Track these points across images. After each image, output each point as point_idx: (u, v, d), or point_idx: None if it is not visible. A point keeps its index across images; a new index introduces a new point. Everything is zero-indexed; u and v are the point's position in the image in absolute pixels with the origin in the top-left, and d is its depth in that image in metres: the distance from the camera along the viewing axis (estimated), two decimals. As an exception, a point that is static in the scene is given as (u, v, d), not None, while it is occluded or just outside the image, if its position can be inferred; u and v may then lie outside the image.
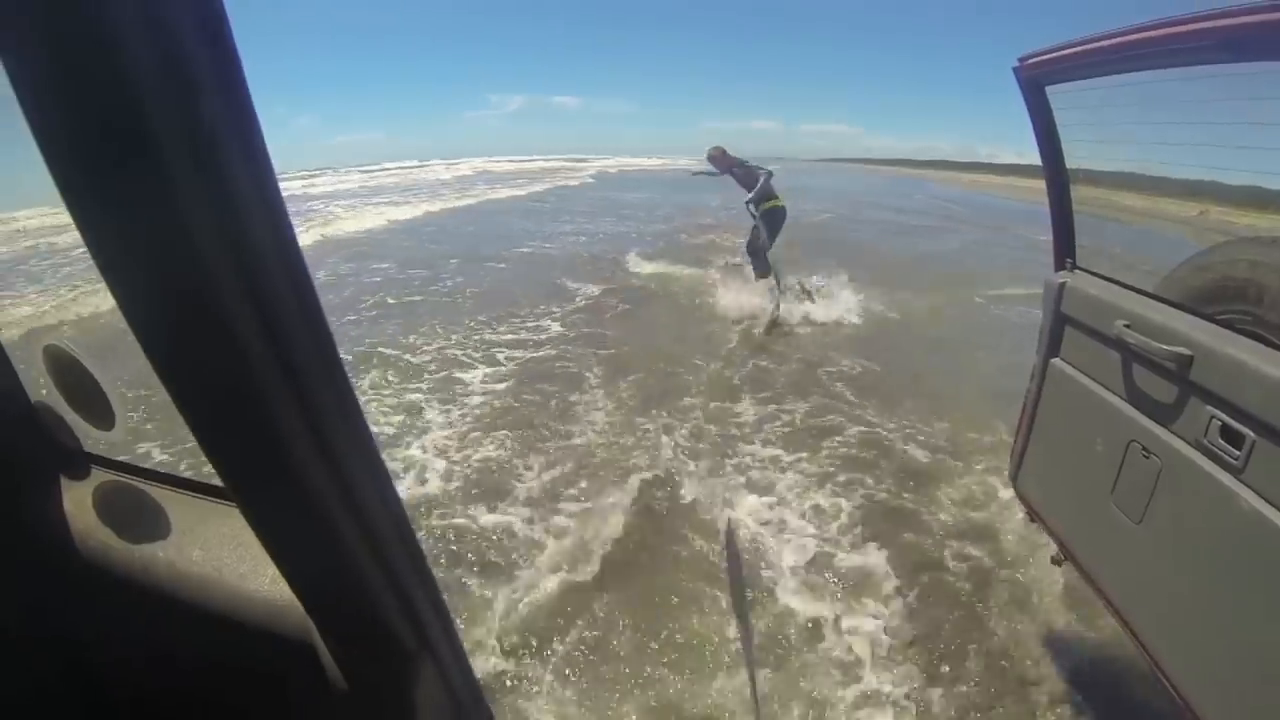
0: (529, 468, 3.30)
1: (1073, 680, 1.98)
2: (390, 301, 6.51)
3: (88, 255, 0.25)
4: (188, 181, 0.24)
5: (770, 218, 5.89)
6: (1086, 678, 1.99)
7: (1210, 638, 1.21)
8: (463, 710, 0.45)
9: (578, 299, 6.71)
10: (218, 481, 0.42)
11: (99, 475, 0.62)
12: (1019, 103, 1.67)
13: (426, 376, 4.53)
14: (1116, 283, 1.55)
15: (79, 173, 0.23)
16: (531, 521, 2.83)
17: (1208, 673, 1.22)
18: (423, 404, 4.08)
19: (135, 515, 0.59)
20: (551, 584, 2.43)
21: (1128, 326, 1.38)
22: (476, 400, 4.14)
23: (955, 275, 8.34)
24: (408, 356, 4.87)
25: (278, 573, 0.39)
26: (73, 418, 0.58)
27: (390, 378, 4.48)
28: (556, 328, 5.70)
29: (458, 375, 4.56)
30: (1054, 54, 1.54)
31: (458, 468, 3.29)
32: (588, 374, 4.58)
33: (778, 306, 5.75)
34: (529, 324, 5.79)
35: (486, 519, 2.85)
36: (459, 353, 5.00)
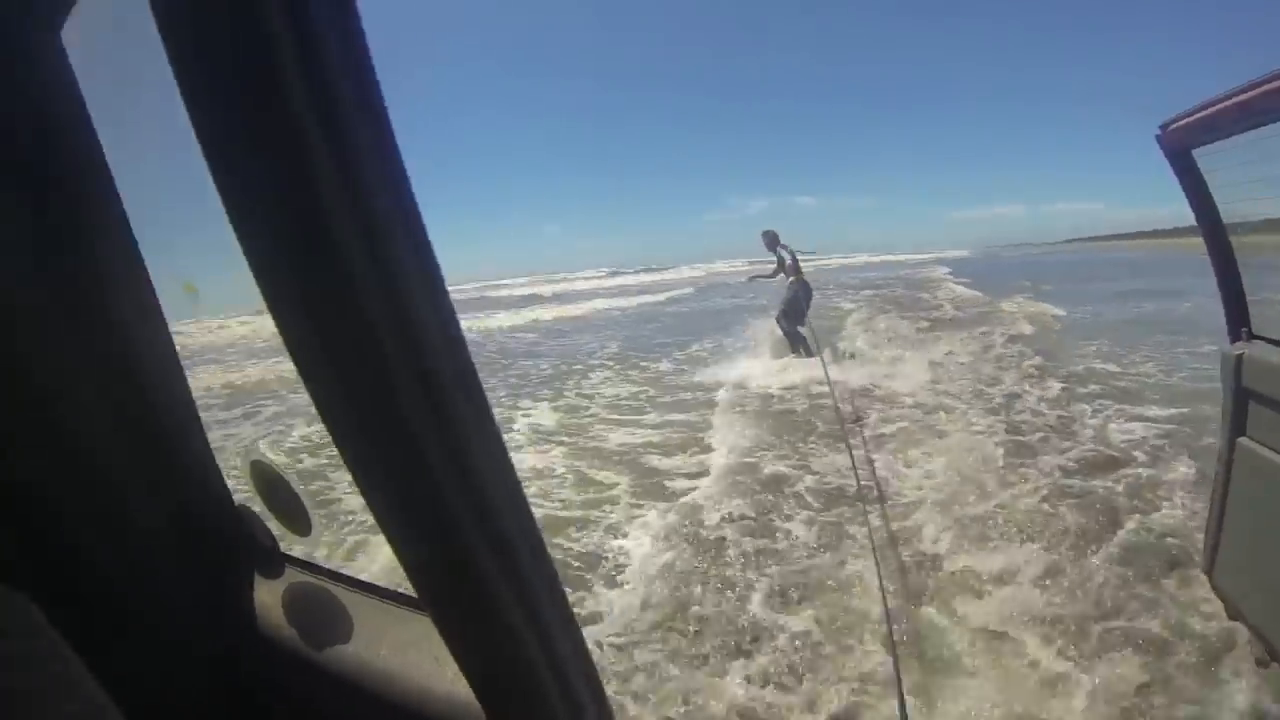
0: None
1: None
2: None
3: None
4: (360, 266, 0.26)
5: (804, 288, 7.39)
6: None
7: None
8: None
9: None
10: (403, 590, 0.54)
11: (292, 574, 0.66)
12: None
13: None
14: None
15: (267, 246, 0.27)
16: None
17: None
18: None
19: (324, 613, 0.63)
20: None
21: None
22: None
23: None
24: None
25: (457, 671, 0.42)
26: (272, 523, 0.62)
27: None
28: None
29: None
30: (1197, 115, 1.52)
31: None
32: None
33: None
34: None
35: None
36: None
